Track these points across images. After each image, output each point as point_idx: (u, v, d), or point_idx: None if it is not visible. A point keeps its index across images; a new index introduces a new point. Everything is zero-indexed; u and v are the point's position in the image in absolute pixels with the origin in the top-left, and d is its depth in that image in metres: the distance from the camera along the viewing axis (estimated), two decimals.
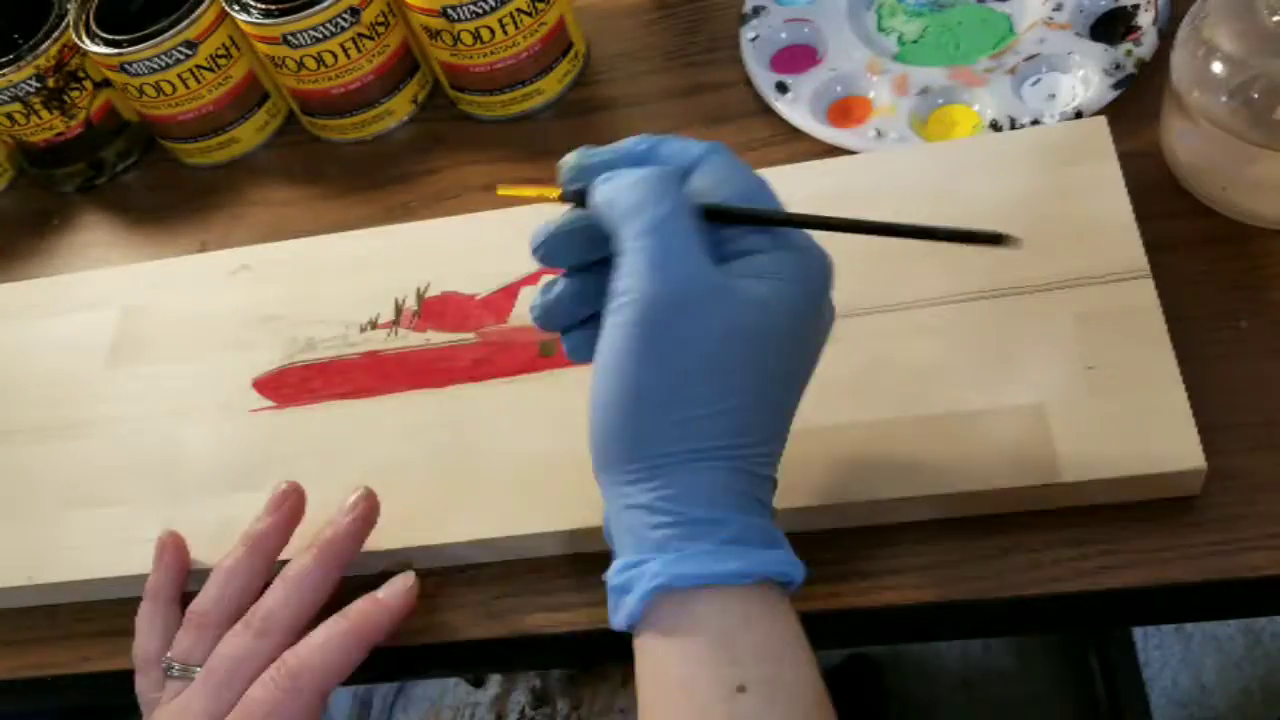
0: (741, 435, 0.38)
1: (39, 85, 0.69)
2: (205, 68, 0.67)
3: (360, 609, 0.48)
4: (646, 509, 0.38)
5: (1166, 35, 0.58)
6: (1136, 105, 0.57)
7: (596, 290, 0.40)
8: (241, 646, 0.46)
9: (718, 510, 0.37)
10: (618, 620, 0.39)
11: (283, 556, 0.51)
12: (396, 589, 0.49)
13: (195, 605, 0.48)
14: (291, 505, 0.50)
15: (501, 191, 0.44)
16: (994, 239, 0.38)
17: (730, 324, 0.37)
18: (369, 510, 0.50)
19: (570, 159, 0.41)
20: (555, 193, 0.42)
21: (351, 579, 0.52)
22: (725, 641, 0.37)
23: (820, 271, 0.40)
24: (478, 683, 0.90)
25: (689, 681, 0.37)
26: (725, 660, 0.36)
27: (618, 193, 0.39)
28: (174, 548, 0.51)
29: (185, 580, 0.51)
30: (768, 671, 0.37)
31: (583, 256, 0.41)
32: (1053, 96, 0.59)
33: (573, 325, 0.43)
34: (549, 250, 0.41)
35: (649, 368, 0.37)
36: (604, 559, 0.50)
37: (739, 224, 0.39)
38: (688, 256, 0.38)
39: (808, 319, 0.40)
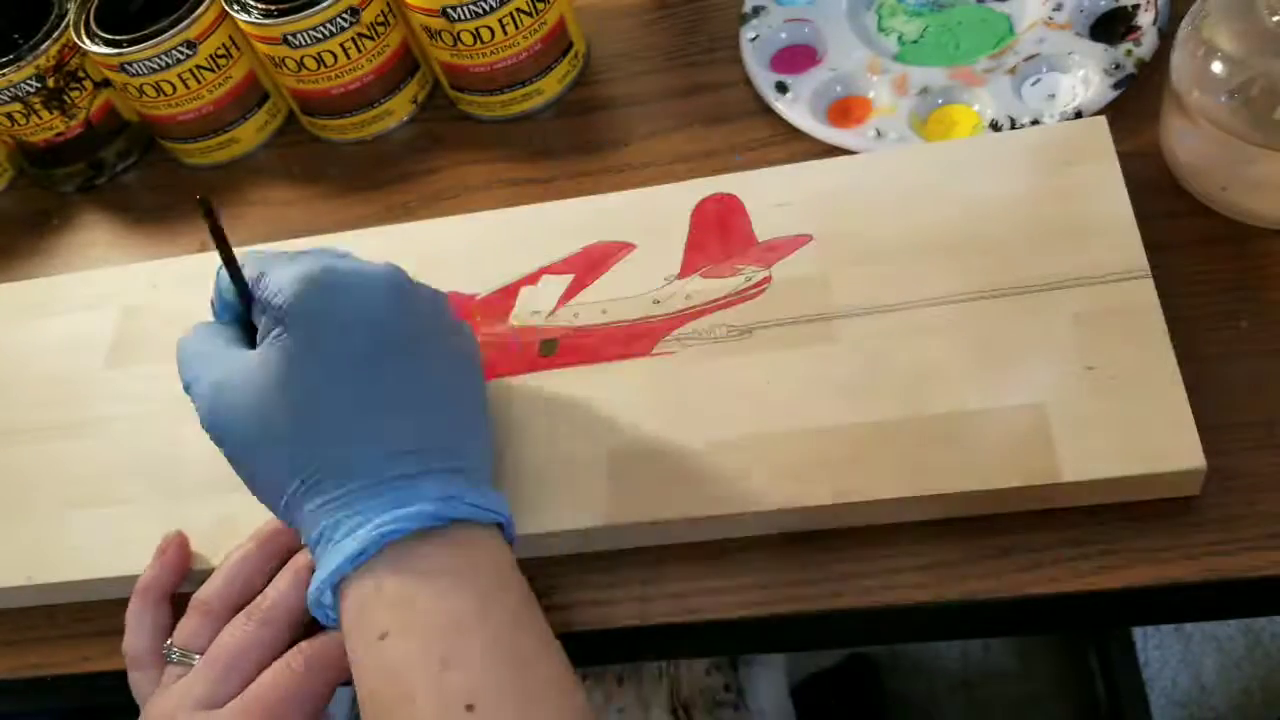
0: (299, 472, 0.43)
1: (39, 85, 0.69)
2: (205, 68, 0.67)
3: None
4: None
5: (1166, 35, 0.58)
6: (1136, 105, 0.57)
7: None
8: (244, 635, 0.46)
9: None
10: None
11: None
12: None
13: (200, 593, 0.49)
14: None
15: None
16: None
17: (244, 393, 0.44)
18: None
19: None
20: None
21: None
22: (362, 604, 0.41)
23: (309, 296, 0.44)
24: None
25: (350, 654, 0.42)
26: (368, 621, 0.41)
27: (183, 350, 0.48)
28: (177, 547, 0.52)
29: (180, 581, 0.51)
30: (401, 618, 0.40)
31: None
32: (1053, 96, 0.59)
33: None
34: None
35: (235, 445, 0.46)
36: (604, 559, 0.50)
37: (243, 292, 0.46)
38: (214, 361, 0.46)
39: (315, 336, 0.44)
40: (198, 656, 0.47)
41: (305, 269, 0.44)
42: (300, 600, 0.47)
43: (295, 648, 0.46)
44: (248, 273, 0.46)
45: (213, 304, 0.49)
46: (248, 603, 0.48)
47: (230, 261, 0.46)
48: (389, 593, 0.41)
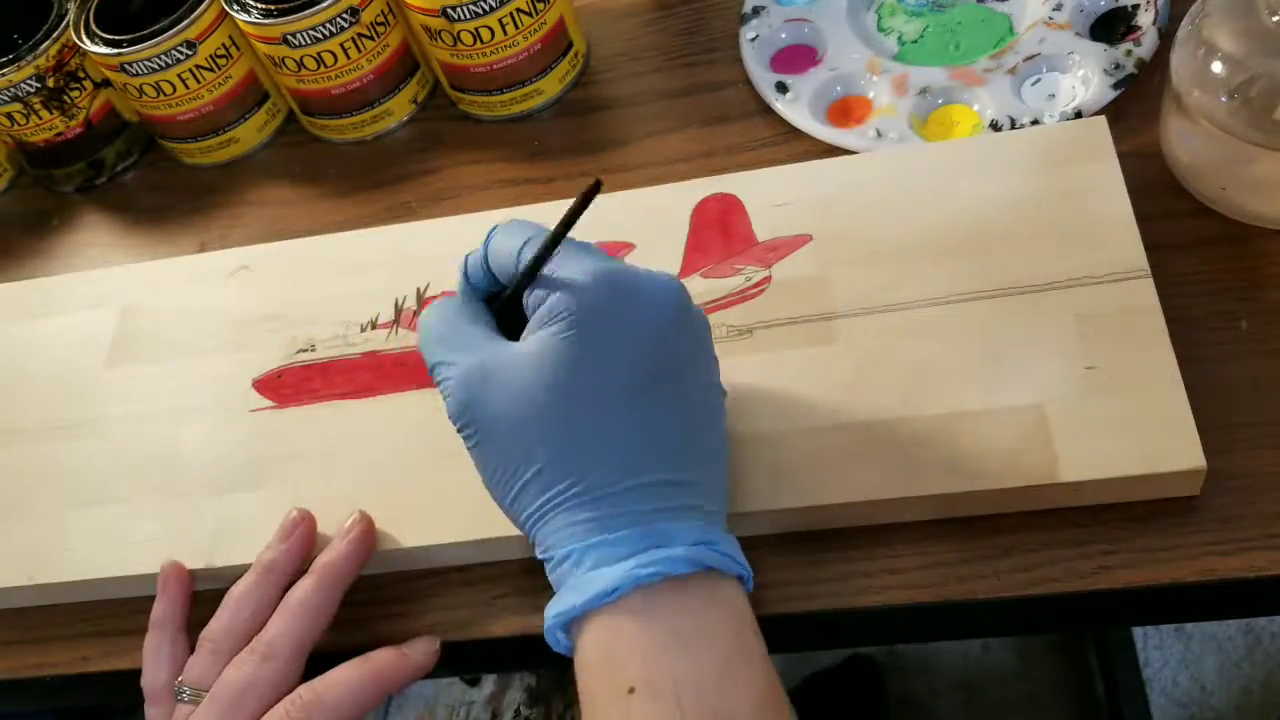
0: (557, 484, 0.40)
1: (39, 85, 0.69)
2: (205, 68, 0.67)
3: (384, 657, 0.47)
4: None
5: (1166, 35, 0.58)
6: (1136, 105, 0.57)
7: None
8: (246, 672, 0.46)
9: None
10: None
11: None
12: (420, 649, 0.48)
13: (207, 631, 0.48)
14: (302, 534, 0.50)
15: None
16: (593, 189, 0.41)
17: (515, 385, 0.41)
18: (365, 533, 0.50)
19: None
20: None
21: (358, 579, 0.52)
22: (608, 650, 0.39)
23: (601, 292, 0.41)
24: (473, 682, 0.90)
25: (584, 691, 0.40)
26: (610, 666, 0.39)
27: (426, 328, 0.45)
28: (177, 578, 0.51)
29: (190, 609, 0.51)
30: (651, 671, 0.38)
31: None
32: (1053, 96, 0.59)
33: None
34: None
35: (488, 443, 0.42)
36: None
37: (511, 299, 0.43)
38: (476, 345, 0.43)
39: (600, 342, 0.41)
40: (206, 693, 0.47)
41: (599, 264, 0.41)
42: (298, 635, 0.47)
43: (297, 691, 0.46)
44: (526, 254, 0.42)
45: (466, 271, 0.45)
46: (254, 635, 0.47)
47: (563, 229, 0.41)
48: (638, 643, 0.39)
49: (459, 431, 0.43)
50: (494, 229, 0.45)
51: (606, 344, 0.40)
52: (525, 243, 0.42)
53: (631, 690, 0.38)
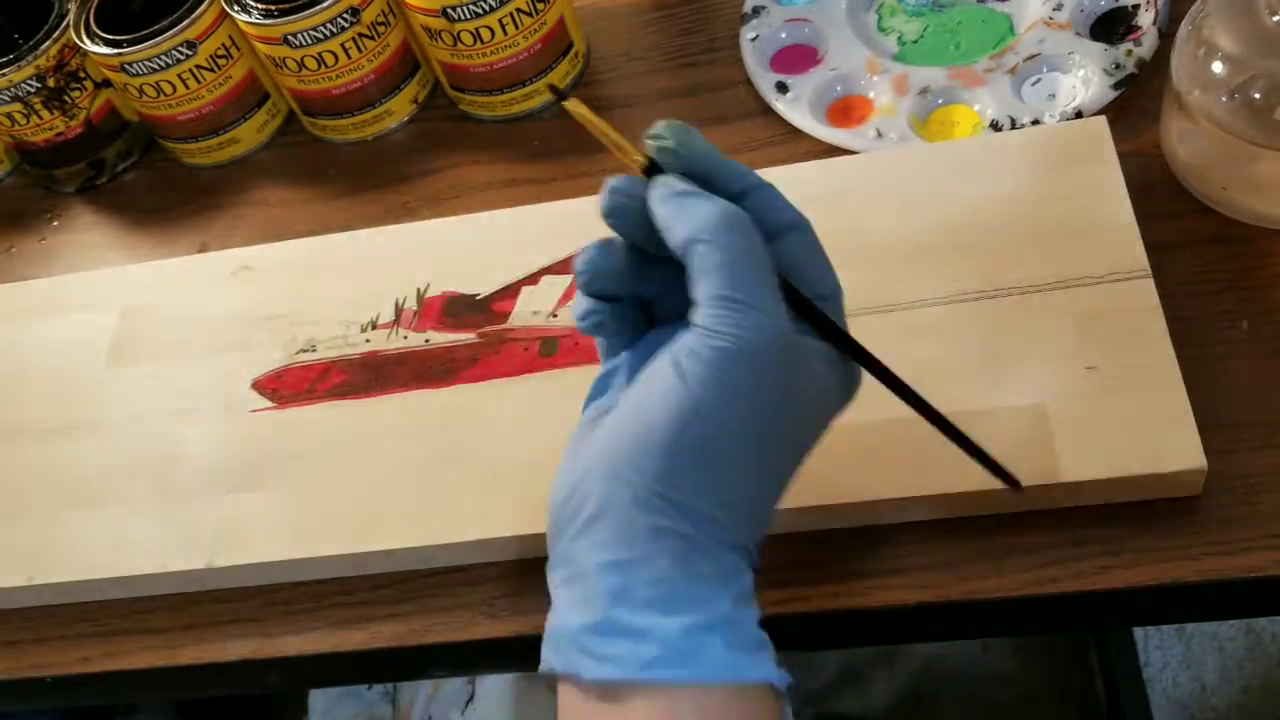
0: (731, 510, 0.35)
1: (39, 85, 0.69)
2: (205, 68, 0.67)
3: None
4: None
5: (1166, 35, 0.58)
6: (1136, 105, 0.57)
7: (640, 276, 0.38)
8: None
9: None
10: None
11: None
12: None
13: None
14: None
15: (574, 109, 0.38)
16: (1011, 483, 0.41)
17: (792, 393, 0.36)
18: None
19: (668, 137, 0.37)
20: (636, 158, 0.37)
21: (357, 579, 0.52)
22: None
23: (846, 391, 0.39)
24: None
25: None
26: None
27: (721, 227, 0.35)
28: None
29: None
30: None
31: (640, 238, 0.37)
32: (1053, 96, 0.59)
33: (608, 290, 0.39)
34: (615, 209, 0.37)
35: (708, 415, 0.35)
36: None
37: (805, 319, 0.38)
38: (781, 317, 0.35)
39: (818, 422, 0.38)
40: None
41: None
42: None
43: None
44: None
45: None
46: None
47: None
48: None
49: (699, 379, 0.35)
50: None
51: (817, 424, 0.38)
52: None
53: None
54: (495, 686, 0.88)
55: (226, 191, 0.71)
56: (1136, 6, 0.60)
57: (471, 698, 0.88)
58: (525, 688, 0.87)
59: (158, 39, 0.65)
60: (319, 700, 1.04)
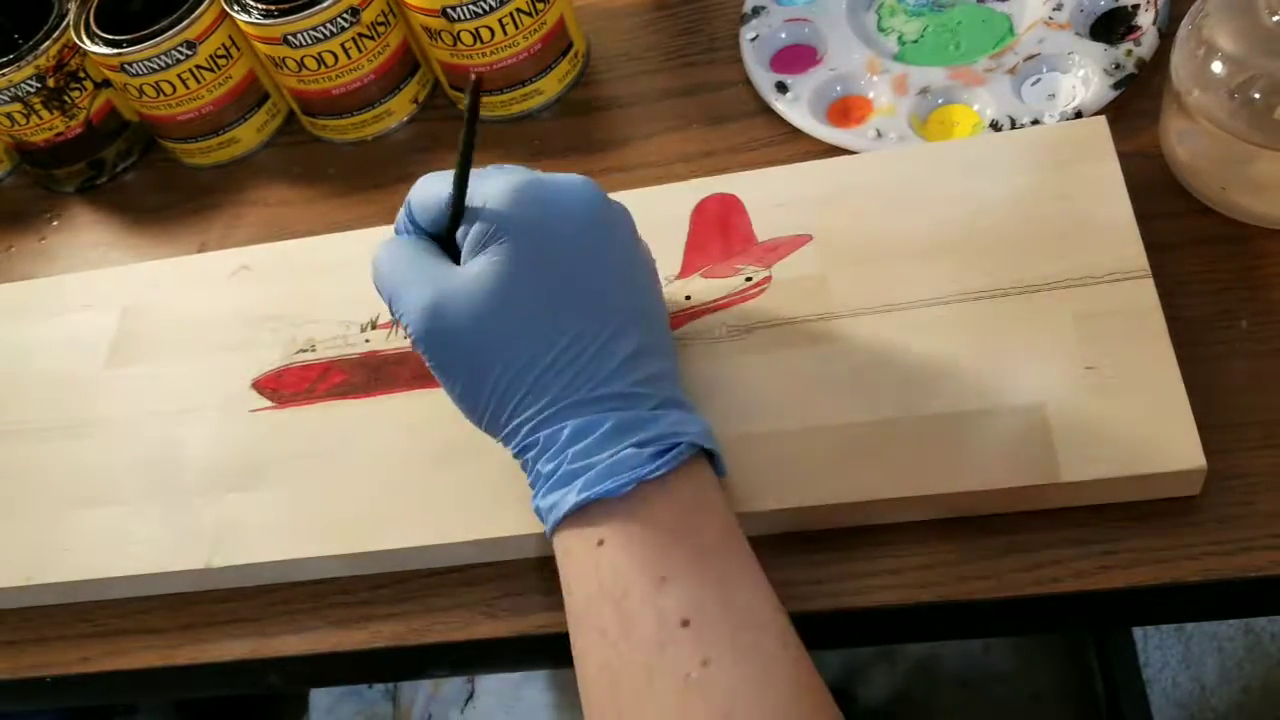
0: (522, 386, 0.43)
1: (39, 85, 0.69)
2: (205, 68, 0.67)
3: None
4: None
5: (1166, 35, 0.58)
6: (1136, 105, 0.57)
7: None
8: None
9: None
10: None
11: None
12: None
13: None
14: None
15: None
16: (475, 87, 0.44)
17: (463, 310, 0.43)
18: None
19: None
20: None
21: (358, 579, 0.52)
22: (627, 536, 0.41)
23: (527, 203, 0.44)
24: None
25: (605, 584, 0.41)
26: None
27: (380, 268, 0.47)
28: None
29: None
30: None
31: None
32: (1053, 96, 0.59)
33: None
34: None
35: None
36: None
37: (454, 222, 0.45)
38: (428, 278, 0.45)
39: (532, 252, 0.43)
40: None
41: (513, 180, 0.44)
42: None
43: None
44: (442, 187, 0.46)
45: (404, 220, 0.48)
46: None
47: (465, 166, 0.45)
48: (606, 510, 0.41)
49: (424, 357, 0.45)
50: (414, 186, 0.48)
51: (542, 246, 0.43)
52: (446, 192, 0.45)
53: (601, 543, 0.40)
54: (495, 685, 0.88)
55: (226, 191, 0.71)
56: (1136, 6, 0.60)
57: (471, 696, 0.88)
58: (525, 687, 0.87)
59: (158, 39, 0.65)
60: (319, 700, 1.04)
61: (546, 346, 0.42)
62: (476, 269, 0.43)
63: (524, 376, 0.42)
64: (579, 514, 0.41)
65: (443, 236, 0.46)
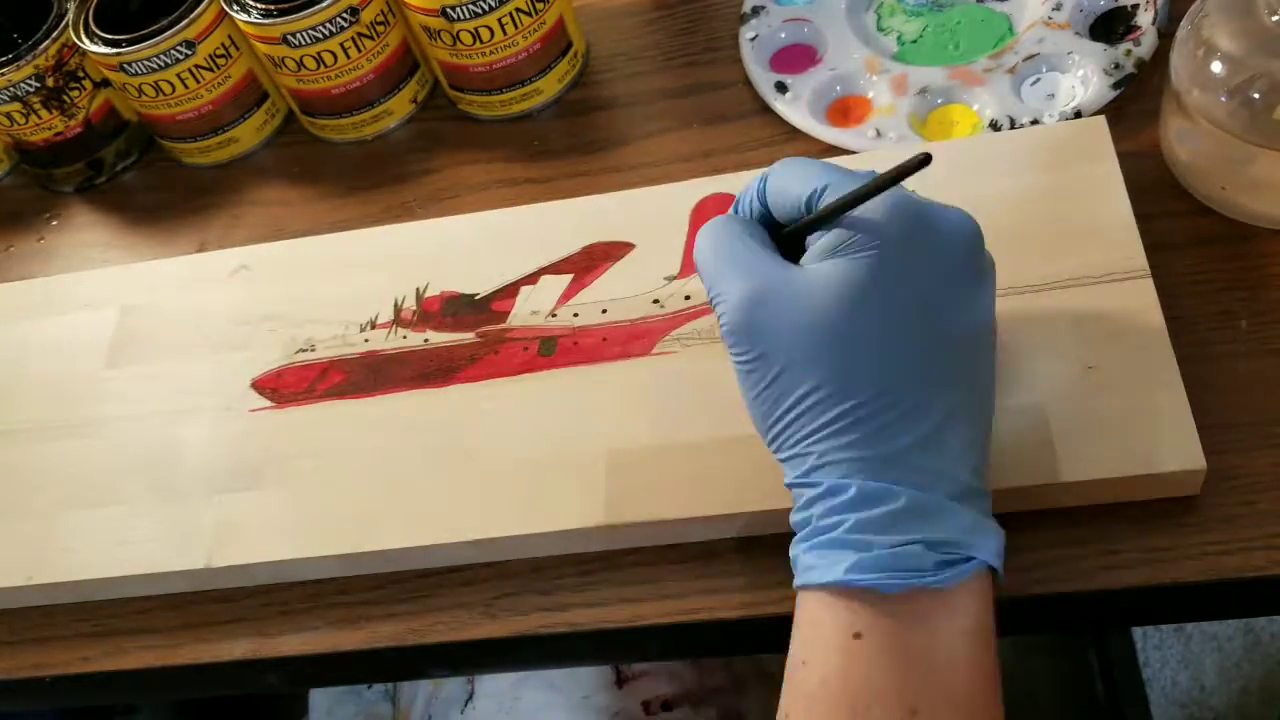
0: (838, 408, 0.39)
1: (38, 85, 0.69)
2: (204, 67, 0.67)
3: None
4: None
5: (1166, 35, 0.58)
6: (1136, 105, 0.57)
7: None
8: None
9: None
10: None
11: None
12: None
13: None
14: None
15: None
16: (921, 162, 0.39)
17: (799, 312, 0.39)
18: None
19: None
20: None
21: (357, 579, 0.52)
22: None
23: (903, 221, 0.39)
24: None
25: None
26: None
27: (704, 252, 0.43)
28: None
29: None
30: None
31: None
32: (1052, 96, 0.59)
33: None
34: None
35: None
36: (603, 559, 0.50)
37: (807, 230, 0.41)
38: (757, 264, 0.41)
39: (897, 269, 0.39)
40: None
41: (896, 195, 0.39)
42: None
43: None
44: (823, 200, 0.41)
45: (753, 195, 0.43)
46: None
47: (861, 200, 0.40)
48: (874, 601, 0.37)
49: (731, 351, 0.41)
50: (774, 167, 0.43)
51: (903, 271, 0.39)
52: (818, 190, 0.41)
53: (858, 636, 0.37)
54: (495, 686, 0.88)
55: (225, 191, 0.71)
56: (1136, 6, 0.60)
57: (471, 697, 0.87)
58: (522, 688, 0.87)
59: (157, 39, 0.65)
60: (319, 700, 1.04)
61: (874, 382, 0.38)
62: (826, 270, 0.39)
63: (835, 405, 0.38)
64: (841, 591, 0.38)
65: (785, 228, 0.43)
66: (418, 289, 0.58)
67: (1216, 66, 0.48)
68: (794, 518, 0.40)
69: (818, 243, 0.40)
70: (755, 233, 0.42)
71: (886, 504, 0.37)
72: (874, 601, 0.37)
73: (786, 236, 0.43)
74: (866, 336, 0.39)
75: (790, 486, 0.40)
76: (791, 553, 0.40)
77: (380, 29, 0.66)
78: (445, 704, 0.89)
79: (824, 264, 0.39)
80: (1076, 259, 0.49)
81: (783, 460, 0.41)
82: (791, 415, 0.40)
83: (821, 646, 0.38)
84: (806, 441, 0.39)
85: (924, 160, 0.38)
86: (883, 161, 0.56)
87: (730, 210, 0.45)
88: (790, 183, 0.42)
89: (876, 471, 0.38)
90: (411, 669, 0.52)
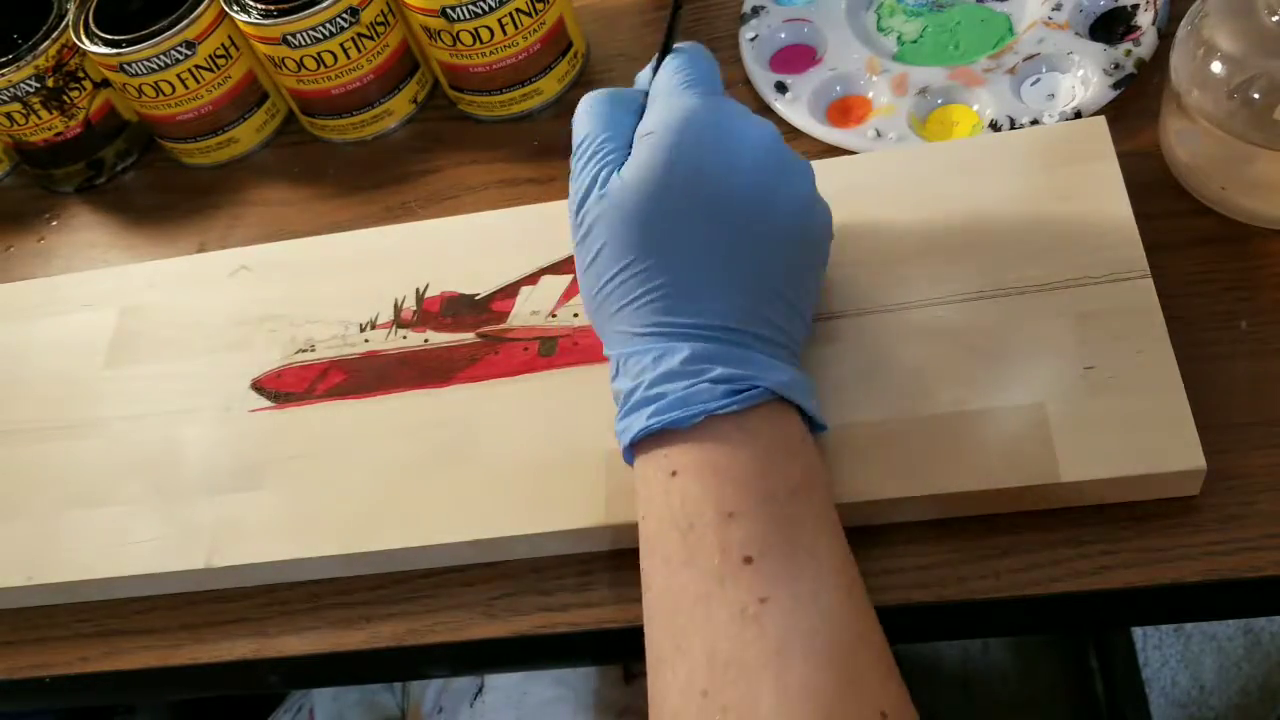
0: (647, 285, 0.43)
1: (38, 85, 0.69)
2: (204, 68, 0.67)
3: None
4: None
5: (1166, 35, 0.58)
6: (1136, 105, 0.57)
7: None
8: None
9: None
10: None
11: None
12: None
13: None
14: None
15: None
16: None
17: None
18: None
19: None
20: None
21: (357, 579, 0.52)
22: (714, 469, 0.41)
23: (698, 120, 0.44)
24: None
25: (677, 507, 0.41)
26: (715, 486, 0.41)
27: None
28: None
29: None
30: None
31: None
32: (1052, 96, 0.59)
33: None
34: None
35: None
36: (603, 559, 0.50)
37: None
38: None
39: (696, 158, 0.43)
40: None
41: (695, 99, 0.45)
42: None
43: None
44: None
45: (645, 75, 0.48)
46: None
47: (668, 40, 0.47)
48: (683, 440, 0.42)
49: (573, 224, 0.45)
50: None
51: (698, 163, 0.43)
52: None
53: (674, 474, 0.41)
54: (504, 680, 0.88)
55: (225, 191, 0.71)
56: (1136, 6, 0.60)
57: (480, 690, 0.88)
58: (530, 683, 0.87)
59: (157, 39, 0.65)
60: (325, 688, 1.04)
61: (670, 260, 0.43)
62: (635, 151, 0.44)
63: (639, 282, 0.43)
64: (657, 443, 0.42)
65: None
66: (418, 289, 0.58)
67: (1216, 66, 0.48)
68: (613, 391, 0.44)
69: (638, 127, 0.45)
70: (624, 101, 0.47)
71: (673, 357, 0.42)
72: (681, 438, 0.41)
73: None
74: (664, 219, 0.43)
75: (608, 358, 0.45)
76: (615, 430, 0.43)
77: (380, 29, 0.66)
78: (456, 696, 0.89)
79: (633, 152, 0.44)
80: (1077, 259, 0.49)
81: (604, 337, 0.45)
82: (606, 290, 0.44)
83: (650, 496, 0.42)
84: (617, 316, 0.44)
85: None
86: (883, 161, 0.56)
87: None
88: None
89: (668, 336, 0.42)
90: (411, 669, 0.52)
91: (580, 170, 0.45)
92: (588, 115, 0.46)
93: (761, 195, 0.43)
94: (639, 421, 0.42)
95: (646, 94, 0.47)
